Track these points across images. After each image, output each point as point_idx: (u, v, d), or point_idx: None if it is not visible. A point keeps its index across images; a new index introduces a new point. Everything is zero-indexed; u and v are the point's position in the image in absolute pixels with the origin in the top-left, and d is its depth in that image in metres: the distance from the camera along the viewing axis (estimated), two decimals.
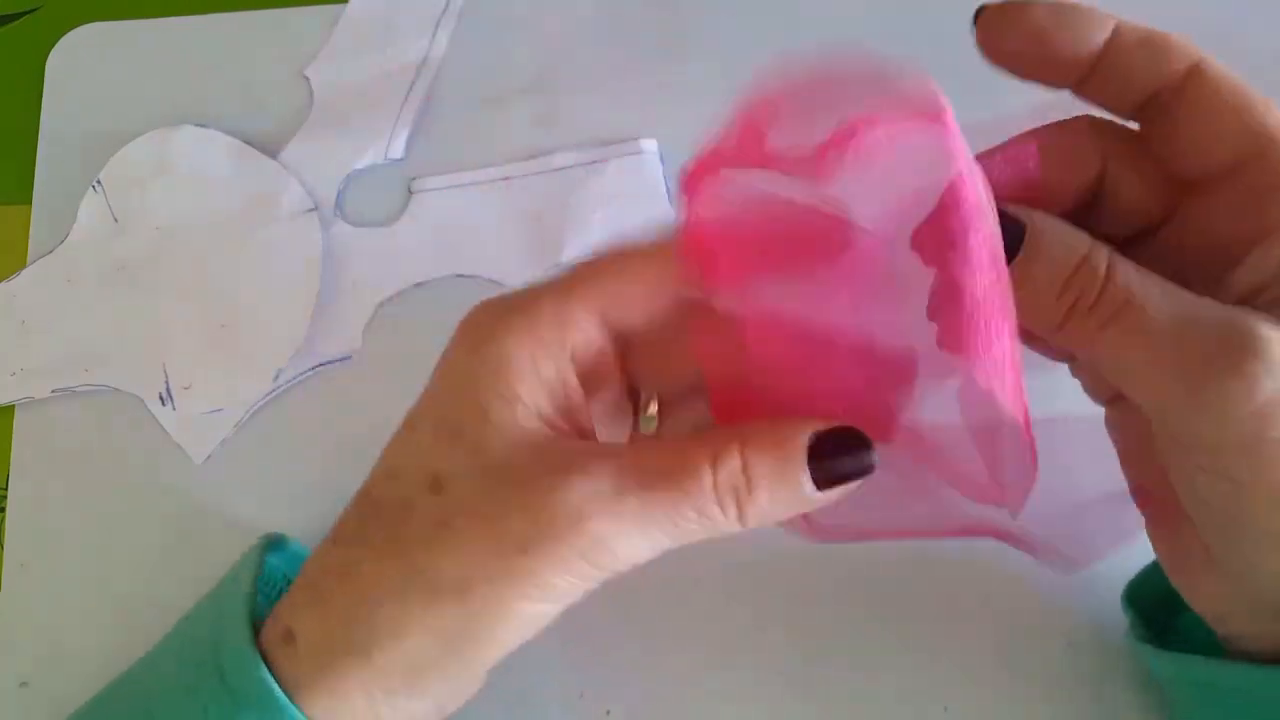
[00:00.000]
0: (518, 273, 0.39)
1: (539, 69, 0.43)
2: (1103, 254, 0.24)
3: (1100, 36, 0.24)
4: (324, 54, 0.43)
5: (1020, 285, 0.24)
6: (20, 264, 0.40)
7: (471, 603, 0.24)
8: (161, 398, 0.38)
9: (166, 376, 0.38)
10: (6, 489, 0.37)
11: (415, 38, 0.43)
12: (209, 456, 0.37)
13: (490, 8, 0.44)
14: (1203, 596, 0.26)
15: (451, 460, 0.24)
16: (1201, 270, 0.25)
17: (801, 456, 0.23)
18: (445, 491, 0.24)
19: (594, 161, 0.40)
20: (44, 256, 0.40)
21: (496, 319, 0.25)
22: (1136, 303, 0.23)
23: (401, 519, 0.25)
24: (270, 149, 0.41)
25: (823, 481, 0.23)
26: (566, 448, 0.24)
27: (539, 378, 0.24)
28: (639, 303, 0.25)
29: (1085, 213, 0.26)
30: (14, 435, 0.38)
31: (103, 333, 0.39)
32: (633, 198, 0.40)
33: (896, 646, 0.33)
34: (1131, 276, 0.23)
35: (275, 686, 0.24)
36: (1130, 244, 0.26)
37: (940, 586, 0.34)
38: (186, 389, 0.38)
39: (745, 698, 0.33)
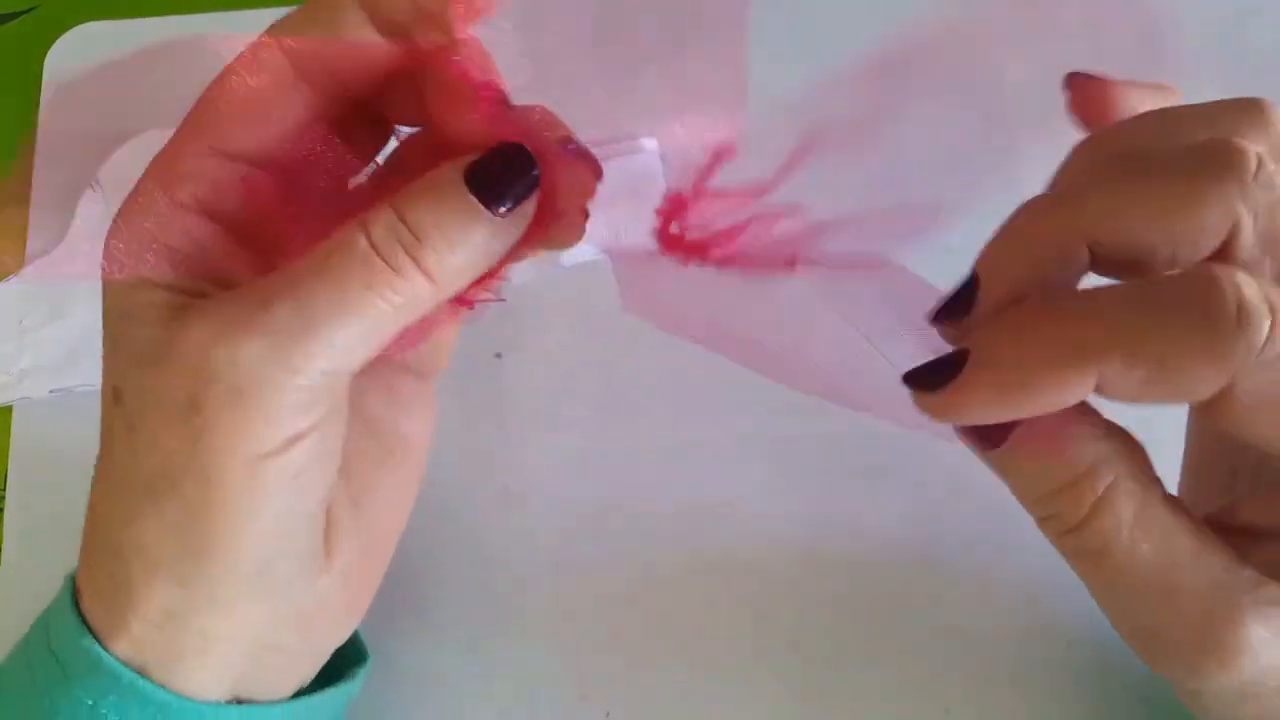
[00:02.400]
0: (518, 272, 0.39)
1: (539, 69, 0.42)
2: (1103, 479, 0.21)
3: (1085, 392, 0.20)
4: None
5: (1003, 471, 0.22)
6: (19, 264, 0.40)
7: (180, 485, 0.23)
8: None
9: None
10: (4, 489, 0.37)
11: None
12: None
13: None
14: None
15: (116, 367, 0.24)
16: (1249, 458, 0.24)
17: (459, 182, 0.23)
18: (121, 399, 0.24)
19: None
20: (43, 256, 0.40)
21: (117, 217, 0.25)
22: (1113, 554, 0.21)
23: (105, 445, 0.25)
24: None
25: (492, 201, 0.23)
26: (203, 305, 0.23)
27: (166, 251, 0.24)
28: (258, 127, 0.24)
29: None
30: (12, 435, 0.38)
31: (100, 333, 0.39)
32: (633, 197, 0.40)
33: (897, 648, 0.33)
34: (1123, 520, 0.21)
35: (92, 644, 0.24)
36: None
37: (940, 588, 0.34)
38: None
39: (745, 698, 0.33)
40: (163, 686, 0.24)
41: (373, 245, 0.22)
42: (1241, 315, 0.19)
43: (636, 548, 0.34)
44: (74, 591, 0.26)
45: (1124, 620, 0.23)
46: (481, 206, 0.22)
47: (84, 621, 0.25)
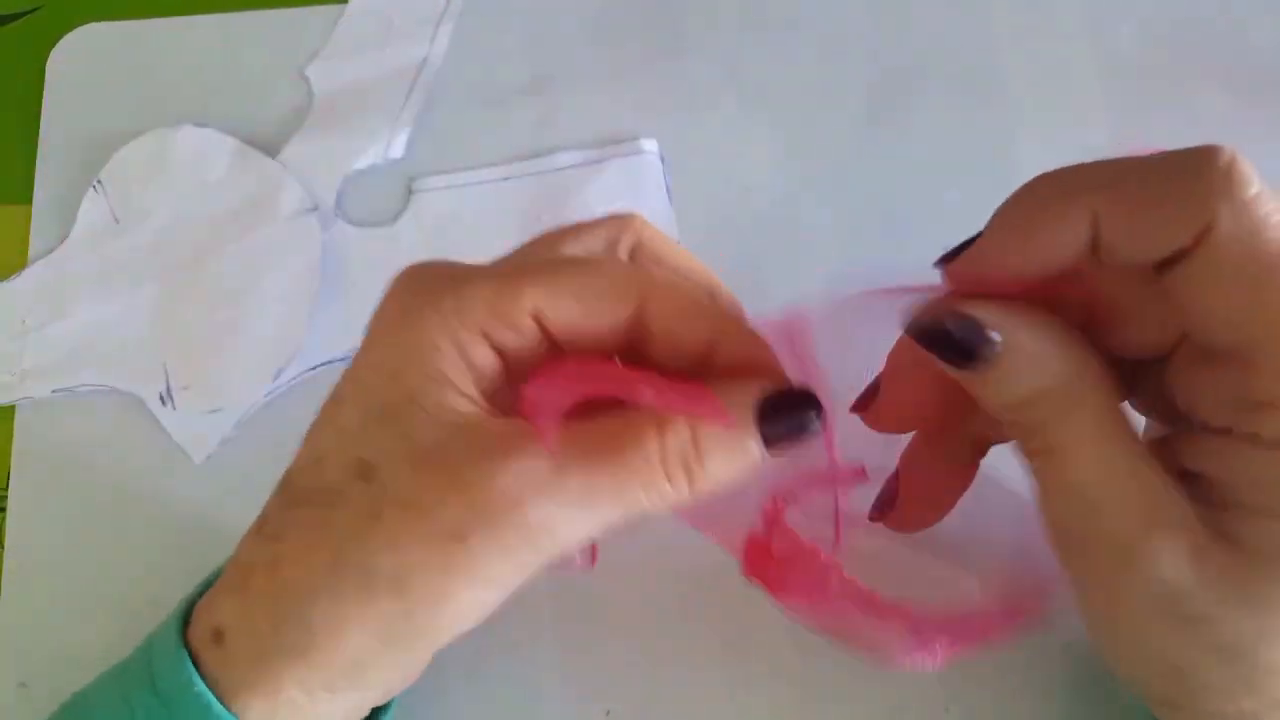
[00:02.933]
0: None
1: (539, 69, 0.43)
2: (1067, 392, 0.23)
3: (1079, 237, 0.22)
4: (324, 54, 0.43)
5: (976, 387, 0.24)
6: (21, 264, 0.40)
7: (410, 598, 0.23)
8: (161, 398, 0.38)
9: (167, 376, 0.38)
10: (7, 489, 0.37)
11: (415, 38, 0.43)
12: (209, 456, 0.37)
13: (490, 8, 0.44)
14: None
15: (380, 446, 0.23)
16: (1188, 409, 0.25)
17: (750, 417, 0.23)
18: (375, 480, 0.23)
19: (594, 161, 0.40)
20: (44, 256, 0.40)
21: (428, 295, 0.24)
22: (1062, 453, 0.23)
23: (329, 509, 0.23)
24: (270, 149, 0.41)
25: (770, 442, 0.23)
26: (499, 428, 0.23)
27: (468, 362, 0.24)
28: (579, 314, 0.24)
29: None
30: (14, 435, 0.38)
31: (103, 333, 0.39)
32: (633, 198, 0.40)
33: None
34: (1083, 424, 0.23)
35: (204, 689, 0.24)
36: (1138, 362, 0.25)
37: (940, 588, 0.34)
38: (186, 389, 0.38)
39: (745, 698, 0.33)
40: None
41: (662, 454, 0.23)
42: (1232, 165, 0.21)
43: (636, 547, 0.34)
44: (183, 632, 0.25)
45: (1057, 522, 0.24)
46: (758, 446, 0.23)
47: (196, 666, 0.24)
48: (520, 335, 0.24)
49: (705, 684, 0.33)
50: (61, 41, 0.44)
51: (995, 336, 0.23)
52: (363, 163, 0.41)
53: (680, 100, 0.42)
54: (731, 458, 0.23)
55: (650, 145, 0.41)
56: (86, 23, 0.44)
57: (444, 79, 0.42)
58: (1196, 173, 0.21)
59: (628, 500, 0.23)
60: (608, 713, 0.33)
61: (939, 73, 0.42)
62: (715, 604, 0.34)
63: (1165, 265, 0.22)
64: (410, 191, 0.41)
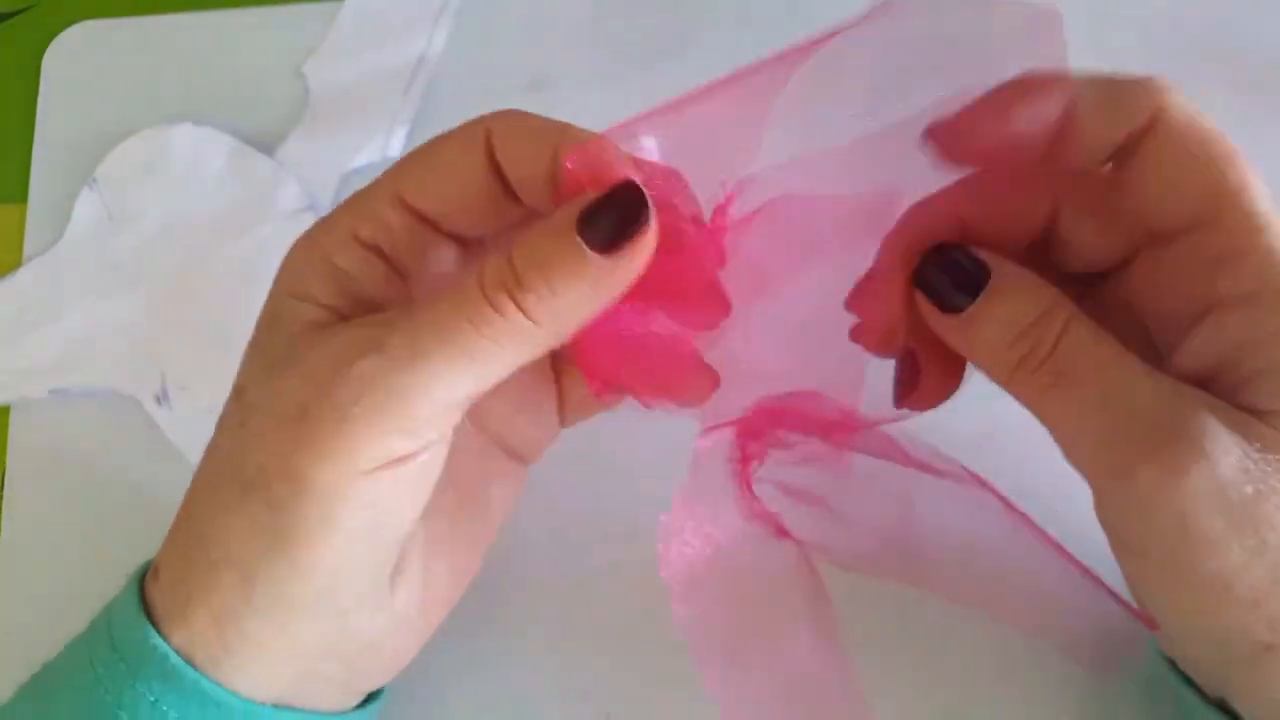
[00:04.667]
0: None
1: (538, 69, 0.42)
2: (1063, 312, 0.24)
3: (1053, 112, 0.24)
4: (321, 51, 0.43)
5: (975, 327, 0.24)
6: (16, 262, 0.40)
7: (270, 487, 0.23)
8: (157, 398, 0.38)
9: (163, 376, 0.38)
10: (2, 489, 0.37)
11: (413, 35, 0.43)
12: None
13: (490, 7, 0.44)
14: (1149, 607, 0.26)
15: (247, 368, 0.25)
16: (1160, 324, 0.25)
17: (569, 224, 0.22)
18: (243, 397, 0.25)
19: None
20: (40, 255, 0.40)
21: (303, 234, 0.26)
22: (1085, 368, 0.23)
23: (216, 435, 0.25)
24: (267, 147, 0.41)
25: (598, 242, 0.22)
26: (341, 325, 0.25)
27: (332, 271, 0.25)
28: (435, 181, 0.25)
29: (1039, 251, 0.26)
30: (10, 435, 0.38)
31: (98, 332, 0.39)
32: None
33: (896, 648, 0.33)
34: (1085, 341, 0.23)
35: (153, 633, 0.24)
36: (1092, 284, 0.27)
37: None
38: (183, 389, 0.38)
39: None
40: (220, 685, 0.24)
41: (481, 285, 0.23)
42: (1168, 82, 0.24)
43: (637, 548, 0.34)
44: (141, 582, 0.26)
45: (1091, 437, 0.24)
46: (586, 249, 0.22)
47: (146, 612, 0.25)
48: (389, 226, 0.25)
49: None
50: (57, 39, 0.44)
51: (987, 261, 0.24)
52: (360, 161, 0.41)
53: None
54: (556, 270, 0.22)
55: (650, 145, 0.41)
56: (82, 20, 0.44)
57: (441, 77, 0.42)
58: (1145, 78, 0.24)
59: (462, 343, 0.23)
60: (607, 713, 0.33)
61: (940, 73, 0.42)
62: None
63: (1124, 153, 0.24)
64: None
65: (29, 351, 0.38)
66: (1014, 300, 0.24)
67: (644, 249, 0.23)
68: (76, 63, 0.43)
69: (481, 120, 0.25)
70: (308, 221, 0.40)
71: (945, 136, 0.25)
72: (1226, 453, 0.22)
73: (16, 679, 0.34)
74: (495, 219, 0.26)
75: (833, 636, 0.30)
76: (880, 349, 0.27)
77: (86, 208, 0.41)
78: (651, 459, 0.36)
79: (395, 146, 0.41)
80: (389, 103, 0.42)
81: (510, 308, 0.23)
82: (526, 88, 0.42)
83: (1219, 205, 0.23)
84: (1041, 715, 0.32)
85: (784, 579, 0.31)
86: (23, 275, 0.40)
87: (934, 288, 0.25)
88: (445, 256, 0.27)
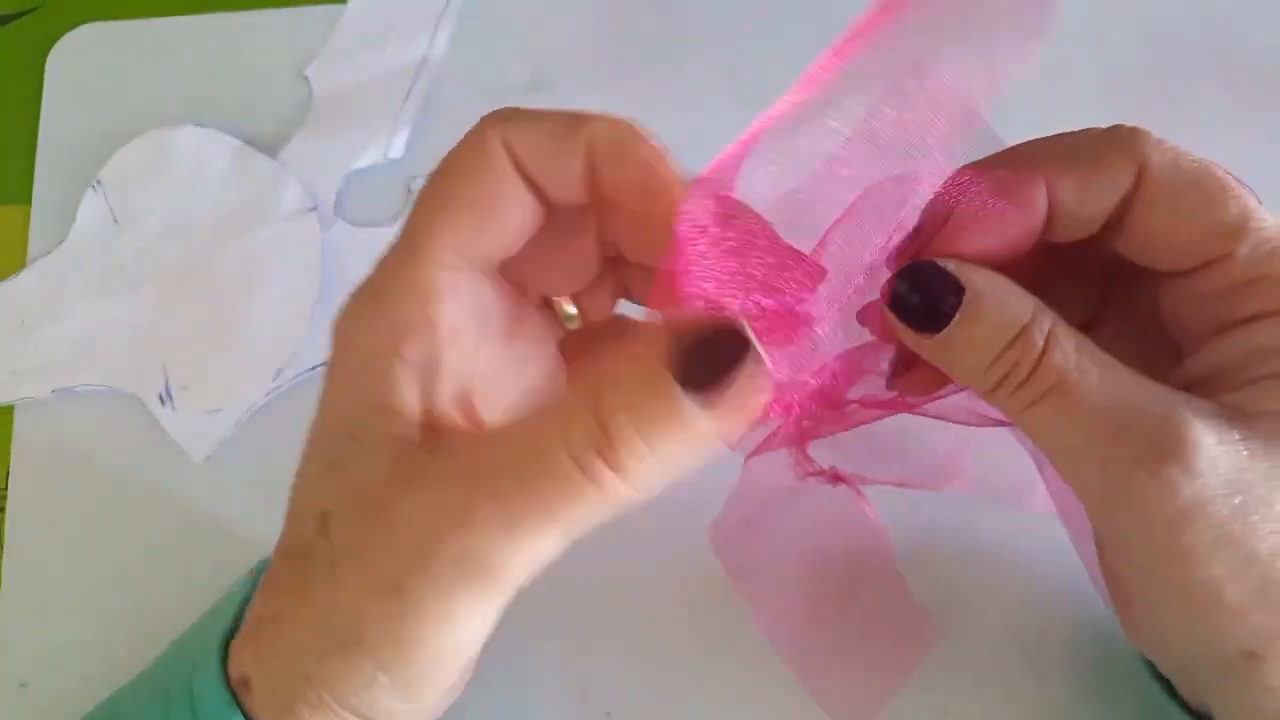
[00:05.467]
0: None
1: (539, 69, 0.43)
2: (1043, 326, 0.23)
3: (1039, 210, 0.23)
4: (324, 54, 0.43)
5: (952, 350, 0.23)
6: (20, 264, 0.40)
7: (377, 651, 0.23)
8: (161, 398, 0.38)
9: (166, 376, 0.38)
10: (6, 489, 0.37)
11: (415, 37, 0.43)
12: (209, 456, 0.37)
13: (490, 7, 0.44)
14: (1128, 629, 0.26)
15: (332, 494, 0.23)
16: (1178, 330, 0.25)
17: (664, 375, 0.20)
18: (329, 532, 0.23)
19: None
20: (44, 256, 0.40)
21: (353, 316, 0.23)
22: (1068, 383, 0.22)
23: (305, 562, 0.24)
24: (270, 149, 0.41)
25: (696, 387, 0.20)
26: (419, 461, 0.23)
27: (408, 370, 0.23)
28: (495, 230, 0.23)
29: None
30: (14, 435, 0.38)
31: (103, 333, 0.39)
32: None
33: None
34: (1069, 354, 0.23)
35: None
36: (1131, 284, 0.26)
37: (939, 588, 0.34)
38: (186, 389, 0.38)
39: (745, 698, 0.33)
40: None
41: (573, 459, 0.21)
42: (1137, 128, 0.24)
43: (637, 548, 0.34)
44: (224, 670, 0.25)
45: (1077, 452, 0.23)
46: (690, 403, 0.20)
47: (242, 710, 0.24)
48: (455, 291, 0.23)
49: (705, 685, 0.33)
50: (61, 41, 0.44)
51: (960, 278, 0.23)
52: (363, 162, 0.41)
53: (680, 100, 0.41)
54: (655, 427, 0.20)
55: None
56: (86, 22, 0.44)
57: (444, 78, 0.42)
58: (1114, 133, 0.24)
59: (558, 514, 0.21)
60: (608, 713, 0.33)
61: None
62: (716, 605, 0.34)
63: (1116, 216, 0.24)
64: (410, 191, 0.41)
65: (33, 352, 0.39)
66: (989, 321, 0.23)
67: (755, 395, 0.20)
68: (81, 64, 0.44)
69: (491, 134, 0.23)
70: (310, 222, 0.41)
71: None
72: (1215, 464, 0.22)
73: (18, 678, 0.34)
74: (532, 230, 0.24)
75: (893, 564, 0.31)
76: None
77: (90, 209, 0.41)
78: None
79: (398, 148, 0.41)
80: (391, 104, 0.42)
81: (605, 474, 0.21)
82: (527, 88, 0.42)
83: (1226, 243, 0.23)
84: (1040, 714, 0.32)
85: (843, 520, 0.30)
86: (27, 276, 0.40)
87: (906, 309, 0.23)
88: (519, 312, 0.25)
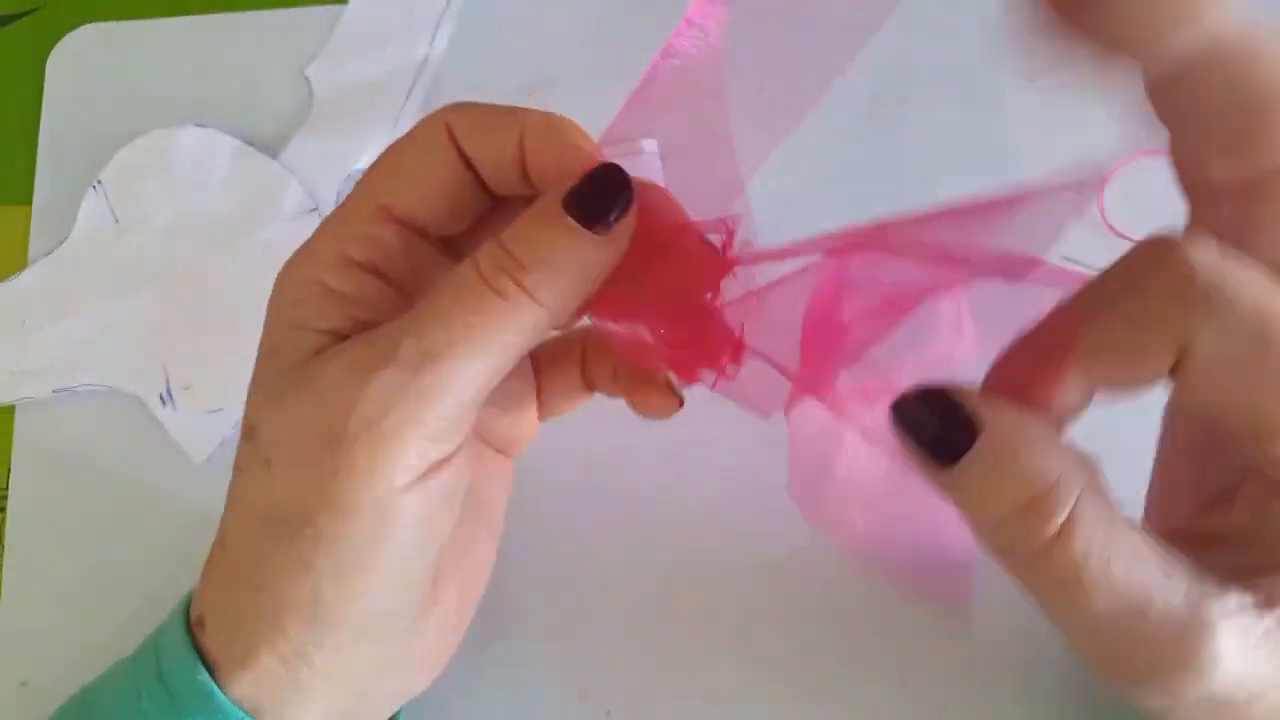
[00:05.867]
0: None
1: (539, 69, 0.43)
2: (1069, 496, 0.20)
3: (1079, 406, 0.22)
4: (324, 54, 0.43)
5: (960, 492, 0.21)
6: (21, 264, 0.40)
7: (318, 521, 0.23)
8: (161, 398, 0.38)
9: (166, 376, 0.38)
10: (7, 489, 0.37)
11: (415, 38, 0.43)
12: (209, 456, 0.37)
13: (490, 8, 0.44)
14: None
15: (254, 406, 0.25)
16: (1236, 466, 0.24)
17: (557, 207, 0.23)
18: (256, 436, 0.24)
19: None
20: (44, 257, 0.40)
21: (287, 264, 0.25)
22: (1084, 582, 0.20)
23: (239, 479, 0.25)
24: (271, 149, 0.41)
25: (583, 216, 0.23)
26: (341, 346, 0.24)
27: (327, 295, 0.24)
28: (420, 189, 0.25)
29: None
30: (14, 435, 0.38)
31: (103, 333, 0.39)
32: None
33: (896, 648, 0.33)
34: (1093, 540, 0.20)
35: (205, 677, 0.24)
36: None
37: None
38: (186, 389, 0.38)
39: (745, 698, 0.33)
40: None
41: (481, 276, 0.23)
42: (1197, 278, 0.20)
43: (637, 547, 0.34)
44: (187, 621, 0.26)
45: (1090, 645, 0.22)
46: (579, 226, 0.23)
47: (200, 655, 0.25)
48: (378, 240, 0.25)
49: (705, 684, 0.33)
50: (61, 42, 0.44)
51: (979, 415, 0.21)
52: (363, 163, 0.41)
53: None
54: (552, 245, 0.23)
55: (650, 145, 0.41)
56: (87, 23, 0.44)
57: (444, 79, 0.42)
58: (1157, 306, 0.20)
59: (472, 334, 0.22)
60: (608, 713, 0.33)
61: (939, 73, 0.42)
62: (716, 604, 0.34)
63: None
64: None
65: (33, 352, 0.39)
66: (1004, 473, 0.20)
67: (629, 223, 0.24)
68: (81, 65, 0.44)
69: (437, 116, 0.25)
70: (312, 223, 0.40)
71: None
72: (1230, 672, 0.20)
73: (20, 678, 0.34)
74: (473, 214, 0.26)
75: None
76: None
77: (91, 209, 0.41)
78: (653, 460, 0.36)
79: None
80: (392, 105, 0.42)
81: (512, 288, 0.23)
82: (527, 89, 0.42)
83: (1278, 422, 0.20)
84: (1040, 714, 0.32)
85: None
86: (27, 276, 0.40)
87: (916, 429, 0.22)
88: (436, 263, 0.26)
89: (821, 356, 0.26)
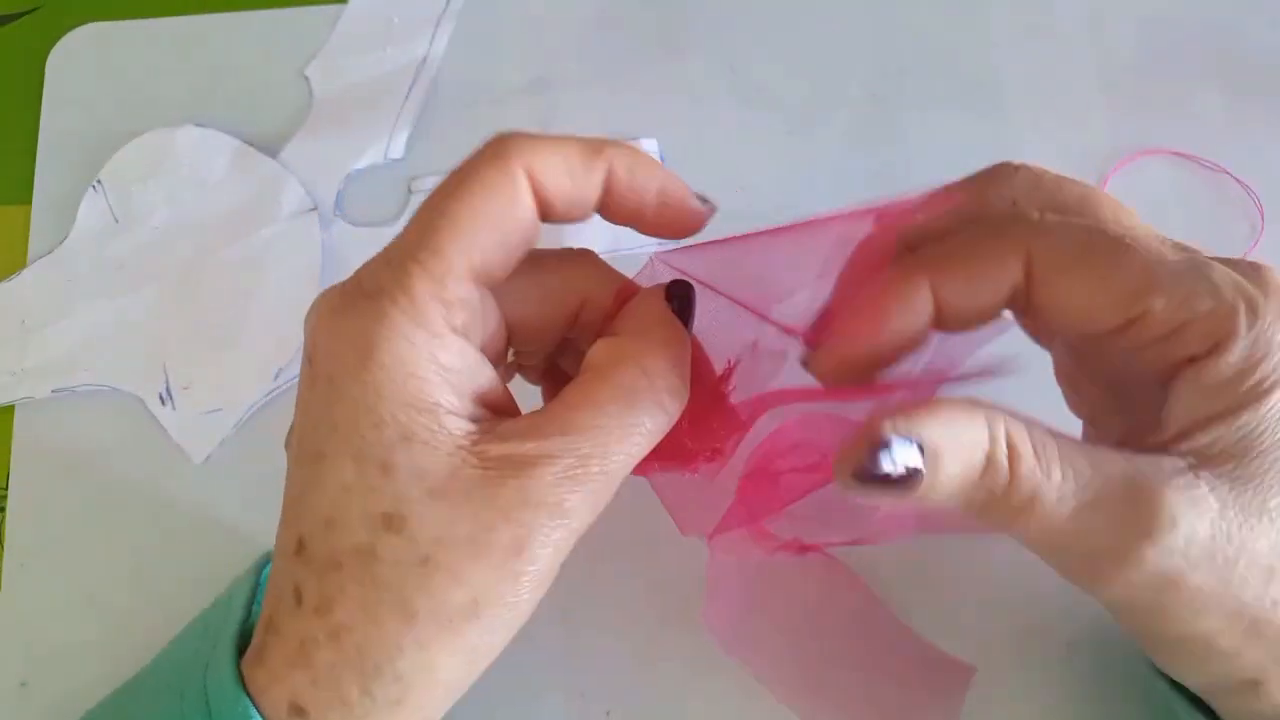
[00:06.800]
0: None
1: (539, 69, 0.43)
2: (1002, 444, 0.23)
3: (923, 314, 0.25)
4: (324, 54, 0.43)
5: (935, 497, 0.24)
6: (20, 264, 0.40)
7: (486, 617, 0.24)
8: (161, 398, 0.38)
9: (166, 376, 0.38)
10: (7, 489, 0.37)
11: (415, 37, 0.43)
12: (209, 456, 0.37)
13: (490, 8, 0.44)
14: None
15: (397, 494, 0.23)
16: (1140, 387, 0.26)
17: (661, 302, 0.26)
18: (405, 529, 0.23)
19: None
20: (44, 256, 0.40)
21: (368, 318, 0.23)
22: (1039, 497, 0.23)
23: (371, 567, 0.23)
24: (270, 149, 0.41)
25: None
26: (503, 447, 0.23)
27: (443, 371, 0.23)
28: (508, 255, 0.24)
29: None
30: (14, 435, 0.38)
31: (103, 333, 0.39)
32: None
33: None
34: (1033, 466, 0.23)
35: None
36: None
37: (940, 589, 0.34)
38: (186, 389, 0.38)
39: (745, 698, 0.33)
40: None
41: (649, 384, 0.25)
42: (1022, 167, 0.26)
43: (637, 547, 0.34)
44: (238, 658, 0.25)
45: (1059, 551, 0.24)
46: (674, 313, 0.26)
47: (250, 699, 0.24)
48: (472, 304, 0.24)
49: (705, 684, 0.33)
50: (61, 41, 0.44)
51: (921, 440, 0.23)
52: (363, 163, 0.41)
53: (680, 100, 0.42)
54: (668, 350, 0.25)
55: (650, 145, 0.41)
56: (86, 22, 0.44)
57: (444, 79, 0.42)
58: (998, 224, 0.25)
59: (650, 430, 0.25)
60: (608, 713, 0.33)
61: (939, 72, 0.42)
62: None
63: (1021, 302, 0.25)
64: (410, 191, 0.41)
65: (33, 352, 0.39)
66: (955, 463, 0.23)
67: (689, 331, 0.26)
68: (81, 65, 0.44)
69: (512, 158, 0.24)
70: (312, 222, 0.41)
71: (822, 364, 0.26)
72: (1192, 532, 0.22)
73: (20, 678, 0.34)
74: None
75: (878, 605, 0.33)
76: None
77: (91, 209, 0.41)
78: None
79: (397, 148, 0.41)
80: (392, 104, 0.42)
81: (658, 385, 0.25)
82: (527, 89, 0.42)
83: (1137, 302, 0.23)
84: (1040, 713, 0.32)
85: (820, 584, 0.33)
86: (27, 276, 0.40)
87: (877, 480, 0.23)
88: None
89: (754, 501, 0.29)
